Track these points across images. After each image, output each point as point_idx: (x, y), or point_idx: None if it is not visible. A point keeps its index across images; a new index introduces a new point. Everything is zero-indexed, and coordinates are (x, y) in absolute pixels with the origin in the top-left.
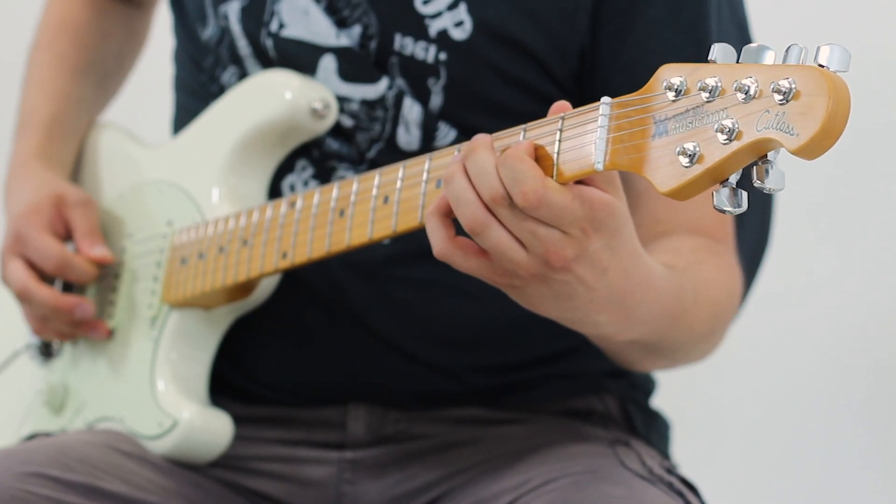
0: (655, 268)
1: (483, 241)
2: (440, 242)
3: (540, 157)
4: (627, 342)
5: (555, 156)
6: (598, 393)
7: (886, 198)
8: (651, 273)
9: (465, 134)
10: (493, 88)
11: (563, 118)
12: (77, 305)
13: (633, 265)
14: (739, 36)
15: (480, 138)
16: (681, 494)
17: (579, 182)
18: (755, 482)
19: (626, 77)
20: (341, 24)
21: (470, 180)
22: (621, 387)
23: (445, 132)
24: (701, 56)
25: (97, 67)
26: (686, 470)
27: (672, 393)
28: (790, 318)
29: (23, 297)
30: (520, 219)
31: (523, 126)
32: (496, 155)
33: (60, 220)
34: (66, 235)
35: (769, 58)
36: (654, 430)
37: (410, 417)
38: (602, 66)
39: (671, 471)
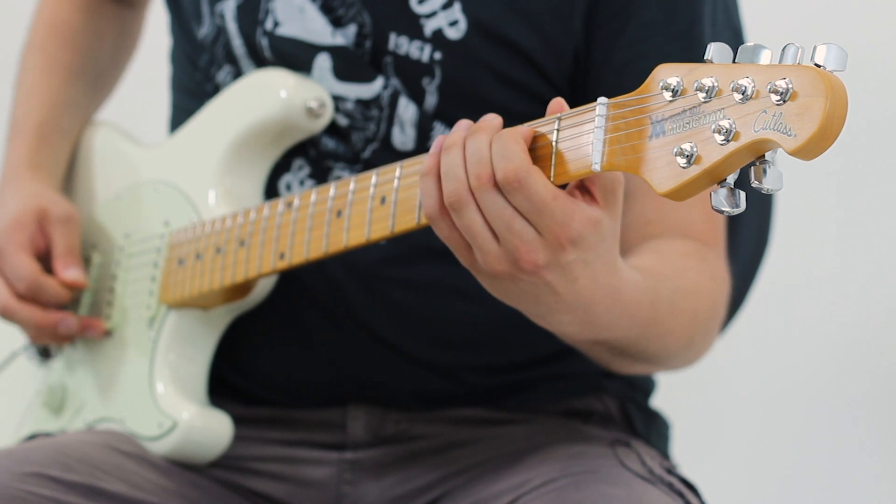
0: (629, 278)
1: (458, 219)
2: (433, 204)
3: (540, 155)
4: (590, 342)
5: (552, 156)
6: (598, 393)
7: (887, 197)
8: (623, 284)
9: None
10: (487, 88)
11: (559, 118)
12: (60, 321)
13: (607, 277)
14: (734, 41)
15: (490, 119)
16: (681, 495)
17: (581, 188)
18: (755, 482)
19: (619, 79)
20: (336, 22)
21: (464, 157)
22: (621, 387)
23: (440, 132)
24: (695, 60)
25: (90, 69)
26: (686, 470)
27: (672, 393)
28: (790, 318)
29: (5, 316)
30: (499, 204)
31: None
32: None
33: (42, 236)
34: (48, 251)
35: (765, 57)
36: (653, 431)
37: (410, 418)
38: (595, 68)
39: (671, 471)
